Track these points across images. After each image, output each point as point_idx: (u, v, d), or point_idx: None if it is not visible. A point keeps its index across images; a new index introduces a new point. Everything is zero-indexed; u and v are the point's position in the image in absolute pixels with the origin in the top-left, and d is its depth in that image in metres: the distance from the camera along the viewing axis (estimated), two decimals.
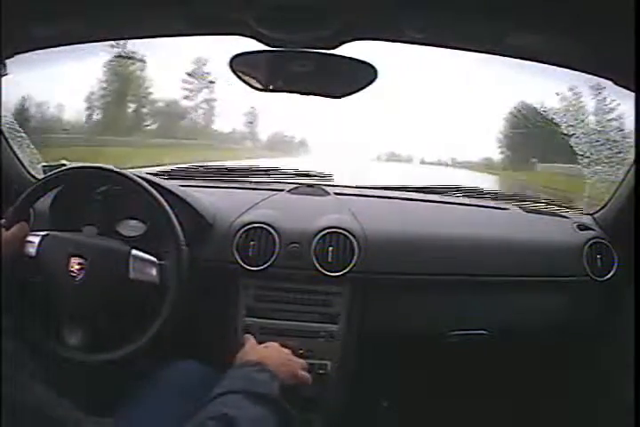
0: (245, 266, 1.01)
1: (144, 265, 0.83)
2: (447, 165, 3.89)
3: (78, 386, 0.63)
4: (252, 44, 0.80)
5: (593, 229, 1.17)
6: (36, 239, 0.83)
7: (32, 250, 0.82)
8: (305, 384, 0.80)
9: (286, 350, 0.83)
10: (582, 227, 1.18)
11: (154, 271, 0.82)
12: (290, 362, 0.80)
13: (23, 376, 0.47)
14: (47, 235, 0.84)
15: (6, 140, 1.07)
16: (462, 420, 1.27)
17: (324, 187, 1.29)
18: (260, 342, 0.97)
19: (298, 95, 0.87)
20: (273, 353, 0.79)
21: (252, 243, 1.02)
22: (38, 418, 0.46)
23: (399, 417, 1.31)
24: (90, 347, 0.84)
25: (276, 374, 0.71)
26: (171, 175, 1.30)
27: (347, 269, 1.01)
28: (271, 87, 0.87)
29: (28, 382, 0.47)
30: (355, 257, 1.02)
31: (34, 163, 1.20)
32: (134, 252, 0.85)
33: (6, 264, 0.75)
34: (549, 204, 1.35)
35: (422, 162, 3.81)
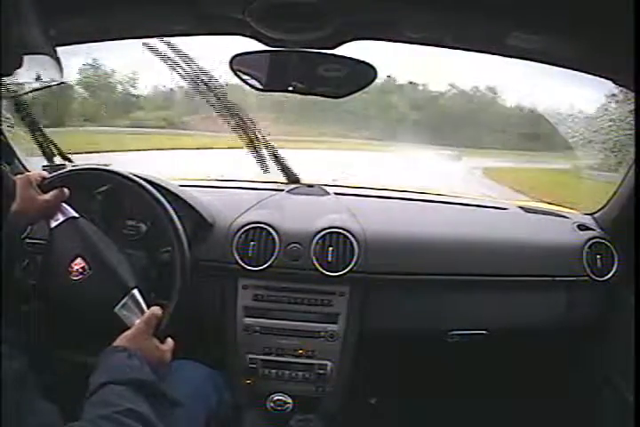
0: (245, 266, 1.01)
1: (132, 311, 0.80)
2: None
3: (74, 386, 0.62)
4: (252, 44, 0.80)
5: (593, 229, 1.17)
6: (62, 217, 0.84)
7: (54, 223, 0.84)
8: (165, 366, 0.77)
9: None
10: (582, 227, 1.18)
11: (136, 321, 0.77)
12: (151, 346, 0.76)
13: (22, 377, 0.47)
14: (77, 218, 0.85)
15: (6, 140, 1.07)
16: (462, 419, 1.27)
17: (323, 187, 1.29)
18: (260, 341, 0.97)
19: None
20: (136, 338, 0.75)
21: (251, 243, 1.02)
22: (36, 417, 0.46)
23: (399, 417, 1.31)
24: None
25: (144, 357, 0.70)
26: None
27: (346, 270, 1.01)
28: (271, 87, 0.87)
29: (26, 383, 0.47)
30: (354, 257, 1.02)
31: (34, 163, 1.20)
32: (134, 292, 0.82)
33: (34, 220, 0.82)
34: (549, 204, 1.35)
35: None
